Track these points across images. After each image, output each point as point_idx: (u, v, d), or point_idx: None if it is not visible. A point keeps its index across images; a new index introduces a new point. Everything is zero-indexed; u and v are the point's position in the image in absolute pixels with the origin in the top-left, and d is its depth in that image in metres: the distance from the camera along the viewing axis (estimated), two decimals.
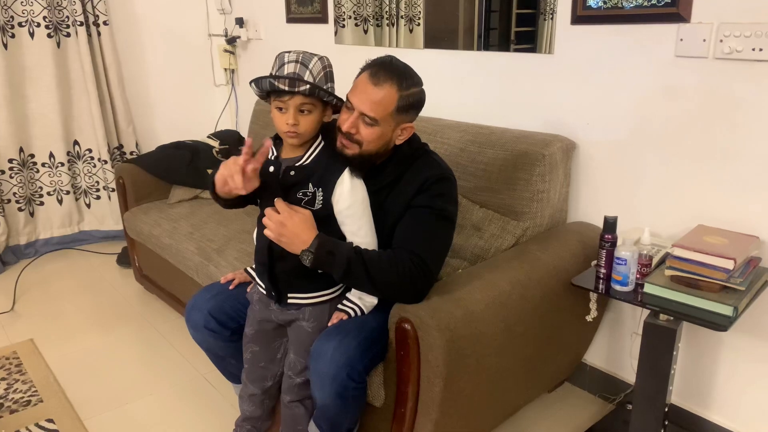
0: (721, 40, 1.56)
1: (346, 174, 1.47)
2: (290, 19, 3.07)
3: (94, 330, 2.59)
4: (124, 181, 2.79)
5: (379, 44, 2.62)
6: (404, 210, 1.50)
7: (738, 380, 1.74)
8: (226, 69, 3.61)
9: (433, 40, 2.39)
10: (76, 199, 3.44)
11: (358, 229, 1.50)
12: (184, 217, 2.60)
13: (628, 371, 2.00)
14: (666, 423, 1.69)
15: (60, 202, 3.38)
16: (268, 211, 1.46)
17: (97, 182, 3.43)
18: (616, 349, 2.03)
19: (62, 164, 3.33)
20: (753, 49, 1.51)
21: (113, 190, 3.40)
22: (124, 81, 3.38)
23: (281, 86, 1.37)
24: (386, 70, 1.42)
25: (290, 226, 1.43)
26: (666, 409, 1.66)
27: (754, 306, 1.52)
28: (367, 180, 1.52)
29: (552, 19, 1.96)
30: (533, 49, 2.05)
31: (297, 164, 1.48)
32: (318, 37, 2.90)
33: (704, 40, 1.60)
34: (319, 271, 1.48)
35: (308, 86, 1.37)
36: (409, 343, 1.44)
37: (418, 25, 2.44)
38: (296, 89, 1.37)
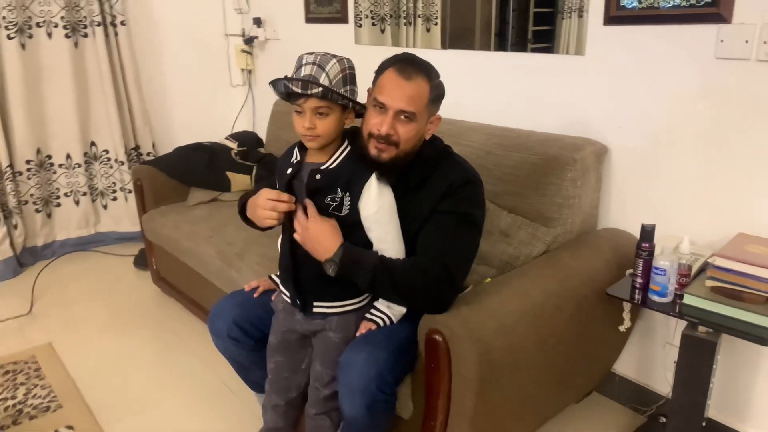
0: (766, 42, 1.50)
1: (373, 179, 1.43)
2: (309, 19, 3.03)
3: (113, 333, 2.57)
4: (142, 183, 2.76)
5: (396, 44, 2.58)
6: (429, 215, 1.46)
7: None
8: (243, 69, 3.57)
9: (450, 40, 2.35)
10: (93, 201, 3.42)
11: (385, 234, 1.45)
12: (203, 220, 2.56)
13: (660, 382, 1.94)
14: None
15: (77, 203, 3.36)
16: (299, 214, 1.43)
17: (114, 183, 3.40)
18: (648, 359, 1.97)
19: (79, 165, 3.31)
20: None
21: (130, 191, 3.38)
22: (141, 81, 3.35)
23: (294, 89, 1.34)
24: (412, 64, 1.41)
25: (313, 231, 1.40)
26: (703, 424, 1.61)
27: None
28: (391, 185, 1.47)
29: (580, 17, 1.90)
30: (551, 49, 2.01)
31: (322, 168, 1.44)
32: (337, 38, 2.85)
33: (747, 42, 1.54)
34: None
35: (321, 89, 1.33)
36: (439, 355, 1.40)
37: (436, 24, 2.40)
38: (309, 92, 1.33)
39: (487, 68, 2.23)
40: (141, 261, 3.14)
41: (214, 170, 2.78)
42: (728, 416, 1.79)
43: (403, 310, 1.49)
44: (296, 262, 1.49)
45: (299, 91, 1.34)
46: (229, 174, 2.79)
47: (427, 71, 1.42)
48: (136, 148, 3.40)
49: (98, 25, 3.12)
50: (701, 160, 1.71)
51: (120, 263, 3.27)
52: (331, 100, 1.37)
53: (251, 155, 2.90)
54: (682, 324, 1.78)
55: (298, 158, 1.49)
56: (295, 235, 1.42)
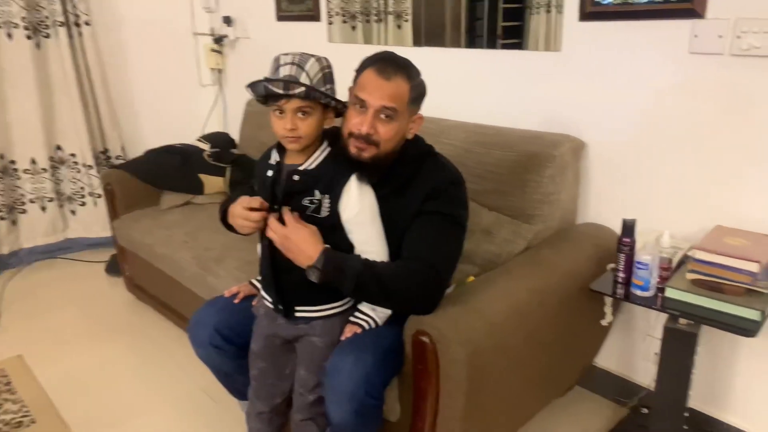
0: (739, 37, 1.52)
1: (353, 180, 1.41)
2: (281, 17, 2.98)
3: (87, 343, 2.49)
4: (112, 187, 2.68)
5: (368, 41, 2.56)
6: (414, 216, 1.45)
7: (756, 381, 1.71)
8: (213, 69, 3.51)
9: (421, 36, 2.35)
10: (60, 206, 3.31)
11: (368, 237, 1.43)
12: (177, 225, 2.51)
13: (641, 374, 1.97)
14: (686, 428, 1.66)
15: (43, 209, 3.25)
16: (272, 221, 1.39)
17: (82, 188, 3.30)
18: (629, 351, 1.99)
19: (45, 170, 3.20)
20: None
21: (99, 196, 3.28)
22: (108, 83, 3.26)
23: (276, 90, 1.31)
24: (392, 63, 1.39)
25: (294, 240, 1.37)
26: (686, 414, 1.63)
27: None
28: (373, 185, 1.46)
29: (548, 12, 1.92)
30: (520, 45, 2.02)
31: (301, 168, 1.41)
32: (310, 36, 2.82)
33: (720, 37, 1.56)
34: None
35: (303, 89, 1.31)
36: (427, 357, 1.38)
37: (407, 20, 2.39)
38: (291, 92, 1.31)
39: (462, 66, 2.23)
40: (113, 268, 3.06)
41: (187, 173, 2.72)
42: (709, 406, 1.82)
43: (388, 312, 1.48)
44: (276, 268, 1.46)
45: (281, 92, 1.31)
46: (201, 176, 2.74)
47: (407, 70, 1.40)
48: (105, 151, 3.31)
49: (61, 25, 3.02)
50: (677, 154, 1.73)
51: (91, 270, 3.18)
52: (314, 99, 1.34)
53: (224, 156, 2.85)
54: (663, 316, 1.81)
55: (278, 160, 1.46)
56: (275, 243, 1.39)
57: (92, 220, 3.36)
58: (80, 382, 2.23)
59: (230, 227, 1.56)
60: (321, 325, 1.46)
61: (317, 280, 1.36)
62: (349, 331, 1.44)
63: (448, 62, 2.27)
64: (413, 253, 1.42)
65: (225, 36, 3.30)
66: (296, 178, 1.41)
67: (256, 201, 1.42)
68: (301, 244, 1.37)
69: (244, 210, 1.42)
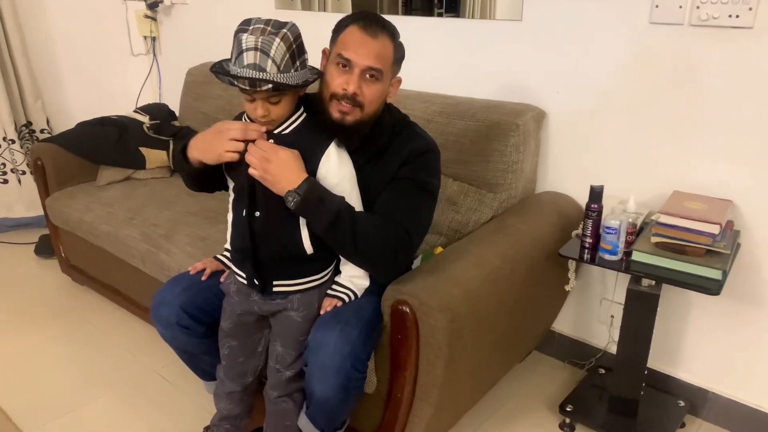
0: (698, 7, 1.57)
1: (332, 148, 1.36)
2: None
3: (23, 330, 2.32)
4: (43, 162, 2.49)
5: (306, 8, 2.47)
6: (388, 183, 1.42)
7: (704, 338, 1.81)
8: (146, 36, 3.30)
9: (358, 5, 2.31)
10: None
11: None
12: (118, 201, 2.36)
13: (596, 337, 2.04)
14: (644, 384, 1.74)
15: None
16: (251, 147, 1.31)
17: (4, 164, 3.05)
18: (585, 315, 2.06)
19: None
20: (729, 16, 1.53)
21: (23, 173, 3.05)
22: (28, 50, 3.00)
23: (242, 86, 1.24)
24: (376, 22, 1.35)
25: (275, 161, 1.29)
26: (645, 372, 1.71)
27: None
28: (350, 153, 1.42)
29: None
30: (458, 15, 2.06)
31: (275, 132, 1.35)
32: (255, 2, 2.69)
33: (680, 7, 1.60)
34: (308, 253, 1.38)
35: (270, 86, 1.23)
36: (407, 326, 1.37)
37: None
38: (258, 89, 1.23)
39: (422, 35, 2.19)
40: (44, 249, 2.86)
41: (126, 146, 2.56)
42: (662, 364, 1.91)
43: (365, 283, 1.45)
44: (254, 241, 1.39)
45: (247, 88, 1.24)
46: (143, 150, 2.58)
47: (391, 30, 1.36)
48: (28, 124, 3.06)
49: None
50: (635, 123, 1.78)
51: (18, 253, 2.96)
52: (283, 91, 1.28)
53: (165, 129, 2.69)
54: (621, 280, 1.88)
55: None
56: (250, 170, 1.31)
57: (15, 199, 3.12)
58: (20, 371, 2.08)
59: (186, 168, 1.47)
60: (299, 299, 1.42)
61: (295, 207, 1.30)
62: (329, 305, 1.40)
63: (404, 30, 2.22)
64: (386, 215, 1.39)
65: (160, 1, 3.10)
66: (270, 141, 1.35)
67: (253, 125, 1.33)
68: (283, 165, 1.30)
69: (237, 129, 1.33)
